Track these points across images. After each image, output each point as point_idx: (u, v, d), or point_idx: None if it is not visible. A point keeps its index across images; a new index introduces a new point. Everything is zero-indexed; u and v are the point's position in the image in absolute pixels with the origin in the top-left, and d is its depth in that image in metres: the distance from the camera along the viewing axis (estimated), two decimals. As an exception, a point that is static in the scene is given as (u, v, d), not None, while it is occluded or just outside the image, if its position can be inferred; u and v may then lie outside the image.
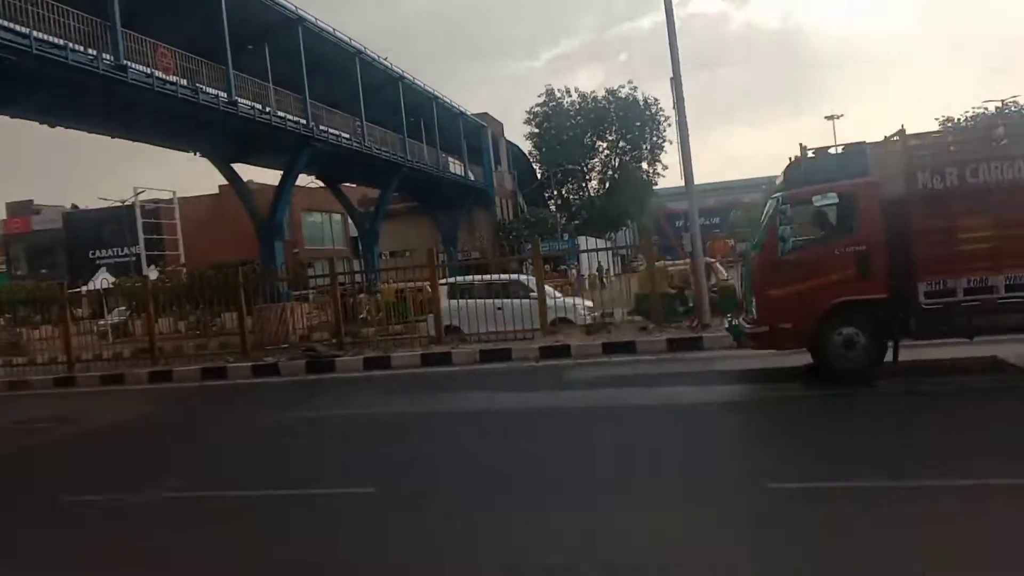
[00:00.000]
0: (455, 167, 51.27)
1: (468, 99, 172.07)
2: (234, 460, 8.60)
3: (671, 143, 59.09)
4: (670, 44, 15.11)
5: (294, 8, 29.73)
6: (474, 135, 54.03)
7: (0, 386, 16.89)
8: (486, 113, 58.27)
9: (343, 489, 6.78)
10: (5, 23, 18.70)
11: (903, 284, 9.19)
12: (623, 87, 64.43)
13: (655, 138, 64.43)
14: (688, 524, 5.33)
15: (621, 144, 65.33)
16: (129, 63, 22.26)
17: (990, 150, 9.05)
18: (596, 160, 66.74)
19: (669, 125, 59.46)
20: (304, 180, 41.05)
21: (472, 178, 53.98)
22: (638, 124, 64.04)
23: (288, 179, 33.48)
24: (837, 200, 9.53)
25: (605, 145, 65.92)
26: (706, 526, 5.26)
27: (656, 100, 63.07)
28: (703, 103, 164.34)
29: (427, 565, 5.00)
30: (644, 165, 65.91)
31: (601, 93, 64.75)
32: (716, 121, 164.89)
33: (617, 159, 65.77)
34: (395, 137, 41.08)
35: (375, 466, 7.72)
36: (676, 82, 15.29)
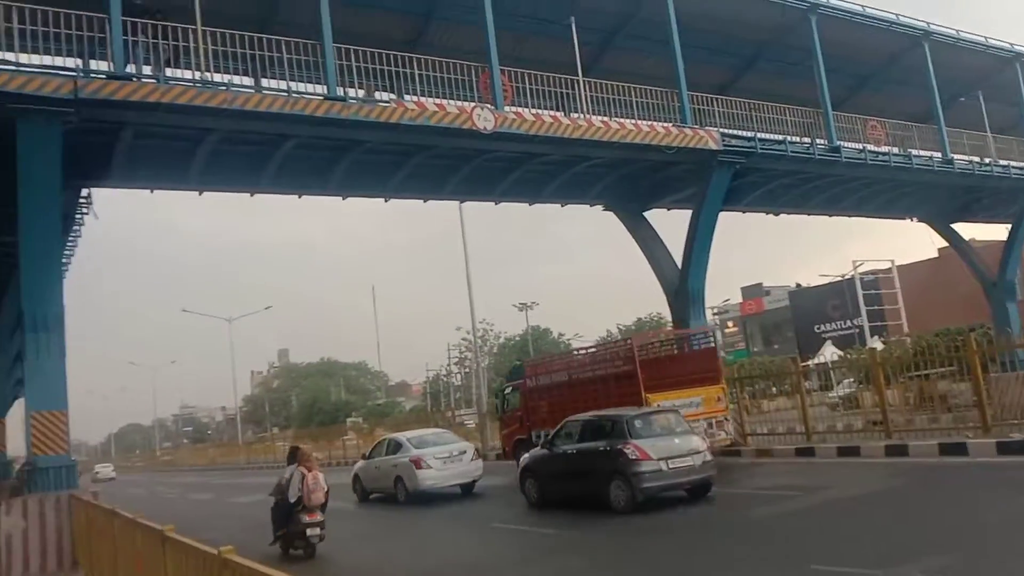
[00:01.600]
0: None
1: None
2: (991, 547, 7.88)
3: None
4: None
5: (1009, 46, 27.04)
6: None
7: (748, 453, 18.87)
8: None
9: None
10: (735, 132, 21.56)
11: (530, 431, 19.77)
12: None
13: None
14: None
15: None
16: (841, 143, 23.19)
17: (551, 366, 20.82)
18: None
19: None
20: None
21: None
22: None
23: (1017, 232, 30.00)
24: (511, 390, 22.31)
25: None
26: None
27: None
28: None
29: None
30: None
31: None
32: None
33: None
34: None
35: None
36: None
